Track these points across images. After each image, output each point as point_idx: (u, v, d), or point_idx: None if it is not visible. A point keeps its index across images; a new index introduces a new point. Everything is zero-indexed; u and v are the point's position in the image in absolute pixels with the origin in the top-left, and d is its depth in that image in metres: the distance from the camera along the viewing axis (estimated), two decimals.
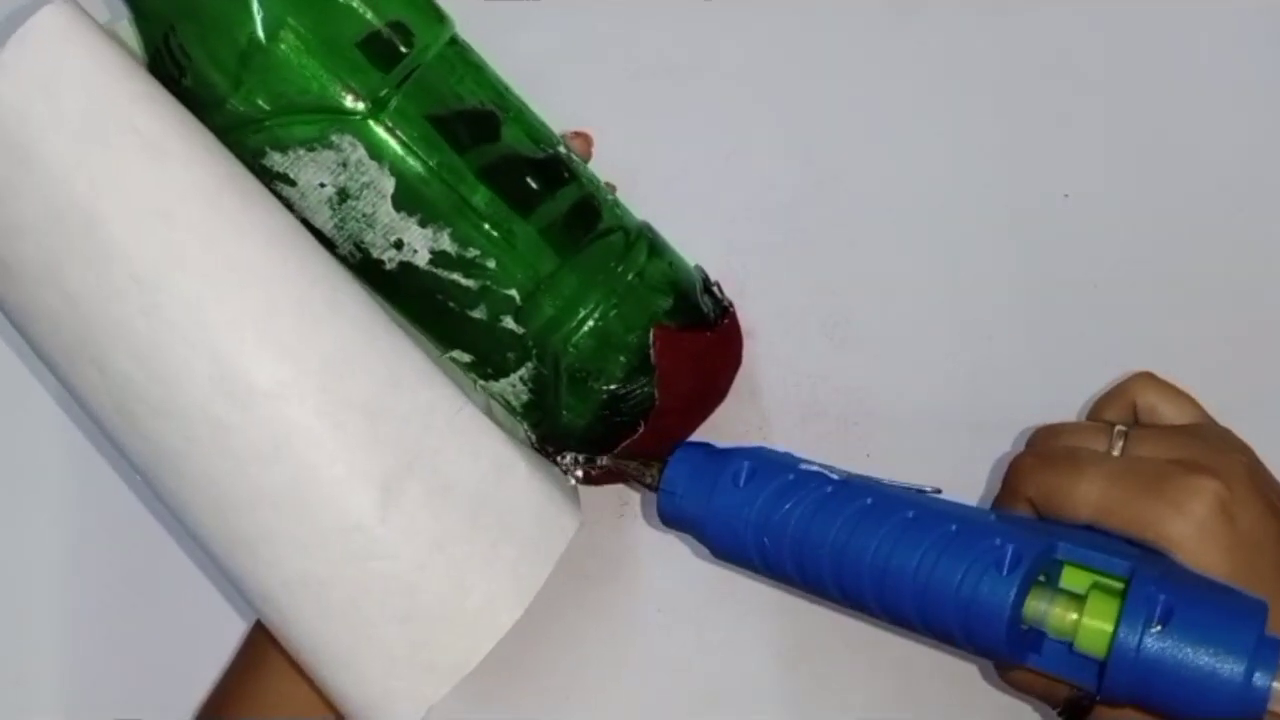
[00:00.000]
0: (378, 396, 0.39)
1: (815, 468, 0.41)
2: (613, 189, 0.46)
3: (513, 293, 0.42)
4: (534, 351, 0.43)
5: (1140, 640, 0.34)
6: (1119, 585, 0.36)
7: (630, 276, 0.43)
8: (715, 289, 0.47)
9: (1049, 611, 0.36)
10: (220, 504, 0.39)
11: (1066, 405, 0.47)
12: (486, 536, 0.40)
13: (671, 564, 0.49)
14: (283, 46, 0.38)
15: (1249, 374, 0.42)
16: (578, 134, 0.47)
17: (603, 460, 0.44)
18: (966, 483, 0.45)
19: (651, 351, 0.43)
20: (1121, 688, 0.34)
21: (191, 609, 0.52)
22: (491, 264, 0.41)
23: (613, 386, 0.43)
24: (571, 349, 0.42)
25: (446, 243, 0.41)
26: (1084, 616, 0.35)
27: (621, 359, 0.43)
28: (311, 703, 0.43)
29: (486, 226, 0.41)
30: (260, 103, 0.39)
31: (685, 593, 0.49)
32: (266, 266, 0.39)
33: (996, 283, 0.50)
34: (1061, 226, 0.50)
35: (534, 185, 0.42)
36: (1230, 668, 0.33)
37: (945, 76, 0.51)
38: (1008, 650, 0.36)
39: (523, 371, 0.43)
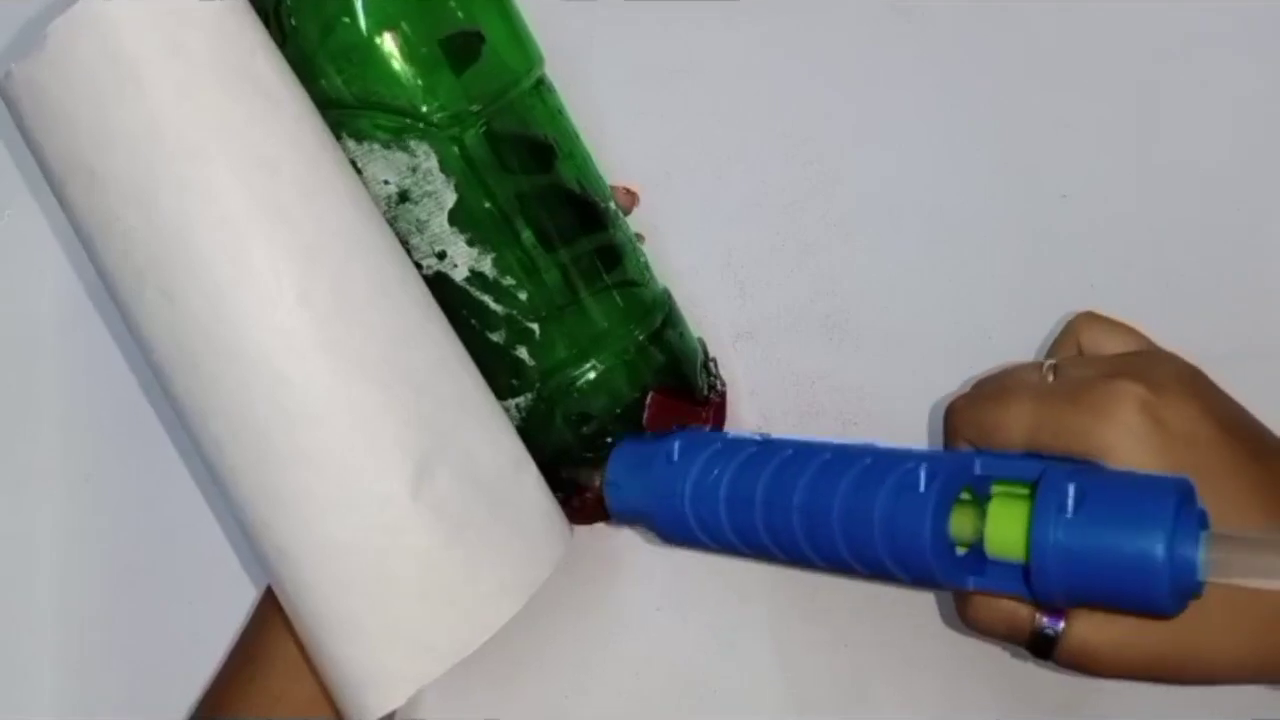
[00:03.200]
0: (427, 375, 0.40)
1: (746, 434, 0.42)
2: (641, 239, 0.47)
3: (534, 327, 0.43)
4: (536, 385, 0.44)
5: (1053, 528, 0.33)
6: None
7: (642, 338, 0.44)
8: (712, 365, 0.48)
9: (974, 528, 0.35)
10: (262, 457, 0.39)
11: None
12: (502, 528, 0.41)
13: (671, 562, 0.49)
14: (386, 46, 0.40)
15: (1249, 374, 0.42)
16: (626, 190, 0.49)
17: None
18: None
19: (644, 411, 0.44)
20: (1049, 582, 0.34)
21: (190, 608, 0.52)
22: (523, 296, 0.42)
23: (598, 431, 0.44)
24: (574, 391, 0.44)
25: (487, 266, 0.42)
26: (992, 520, 0.35)
27: (615, 411, 0.44)
28: (312, 699, 0.43)
29: (528, 262, 0.42)
30: (351, 92, 0.40)
31: (685, 590, 0.49)
32: (351, 231, 0.40)
33: (996, 283, 0.50)
34: (1060, 227, 0.50)
35: (573, 225, 0.43)
36: (1149, 541, 0.32)
37: (944, 77, 0.52)
38: (939, 571, 0.35)
39: (520, 400, 0.44)
